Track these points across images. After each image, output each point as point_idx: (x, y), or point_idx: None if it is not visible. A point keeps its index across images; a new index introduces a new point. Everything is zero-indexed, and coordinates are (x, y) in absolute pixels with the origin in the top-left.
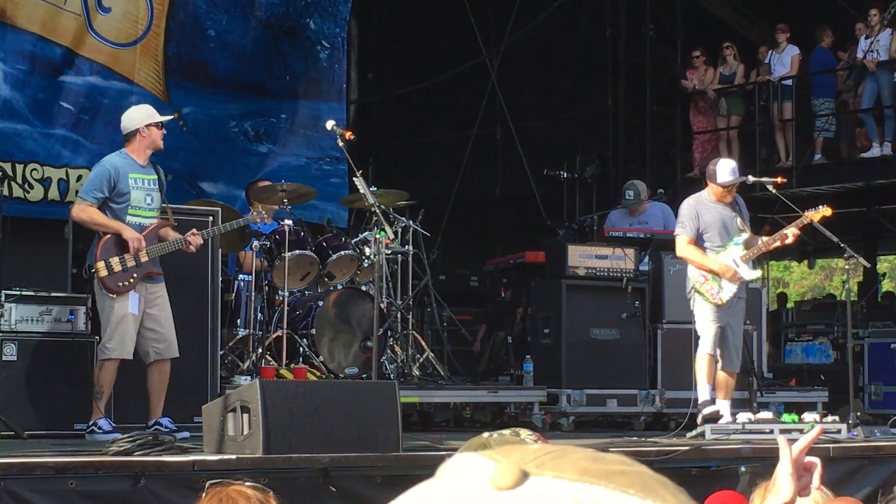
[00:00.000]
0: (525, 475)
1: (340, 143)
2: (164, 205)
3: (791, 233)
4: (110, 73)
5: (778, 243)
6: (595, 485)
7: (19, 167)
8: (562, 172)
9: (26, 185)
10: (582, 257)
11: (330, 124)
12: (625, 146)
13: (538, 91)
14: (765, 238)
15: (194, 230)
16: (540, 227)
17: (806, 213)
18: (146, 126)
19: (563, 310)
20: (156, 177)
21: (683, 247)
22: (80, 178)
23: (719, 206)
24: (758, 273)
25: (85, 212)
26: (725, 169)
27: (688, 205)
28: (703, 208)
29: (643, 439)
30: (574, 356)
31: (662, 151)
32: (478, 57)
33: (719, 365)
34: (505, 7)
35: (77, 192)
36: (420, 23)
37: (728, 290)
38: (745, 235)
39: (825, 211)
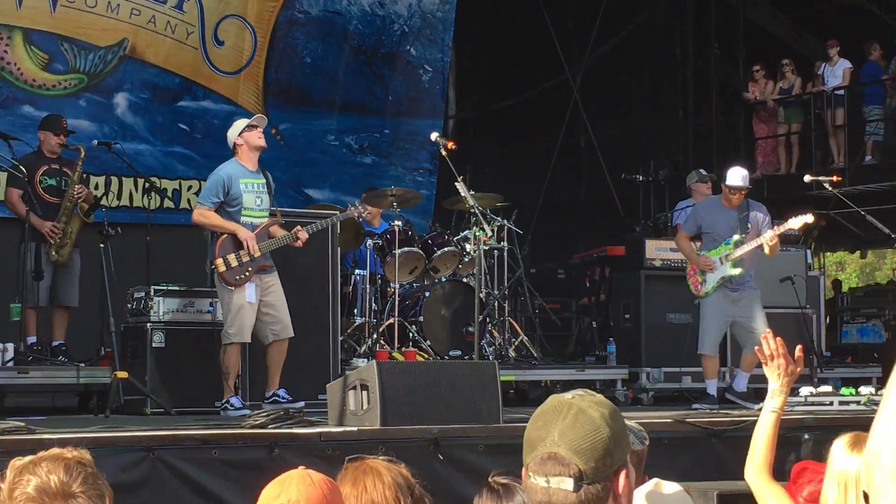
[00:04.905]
0: None
1: (443, 153)
2: (273, 207)
3: (766, 238)
4: (219, 98)
5: (755, 245)
6: None
7: (140, 181)
8: (638, 176)
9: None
10: (658, 250)
11: (434, 136)
12: (694, 152)
13: (616, 104)
14: (752, 242)
15: (298, 227)
16: (619, 225)
17: (788, 221)
18: (239, 135)
19: (641, 297)
20: (264, 181)
21: (679, 238)
22: (190, 187)
23: (727, 210)
24: (737, 270)
25: (203, 215)
26: (735, 175)
27: (698, 206)
28: (708, 211)
29: (716, 410)
30: (652, 338)
31: (728, 156)
32: (561, 75)
33: (745, 350)
34: (585, 30)
35: (197, 196)
36: (510, 46)
37: (710, 283)
38: (737, 237)
39: (807, 218)
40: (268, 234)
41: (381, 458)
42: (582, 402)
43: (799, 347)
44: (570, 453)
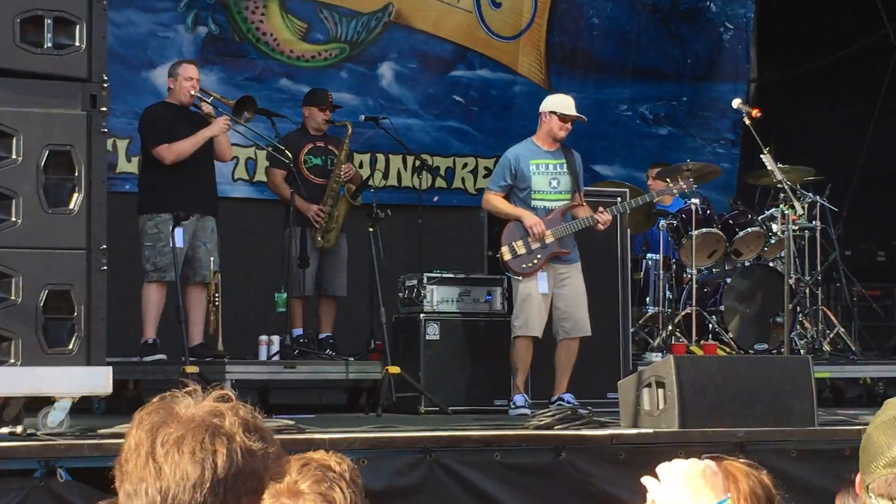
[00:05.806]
0: None
1: (747, 122)
2: (578, 188)
3: None
4: (497, 66)
5: None
6: None
7: (409, 158)
8: None
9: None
10: None
11: (736, 102)
12: None
13: None
14: None
15: (601, 208)
16: None
17: None
18: (549, 113)
19: None
20: (564, 161)
21: None
22: (465, 165)
23: None
24: None
25: (489, 201)
26: None
27: None
28: None
29: None
30: None
31: None
32: (881, 30)
33: None
34: None
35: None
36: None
37: None
38: None
39: None
40: (570, 217)
41: (741, 461)
42: None
43: None
44: None
